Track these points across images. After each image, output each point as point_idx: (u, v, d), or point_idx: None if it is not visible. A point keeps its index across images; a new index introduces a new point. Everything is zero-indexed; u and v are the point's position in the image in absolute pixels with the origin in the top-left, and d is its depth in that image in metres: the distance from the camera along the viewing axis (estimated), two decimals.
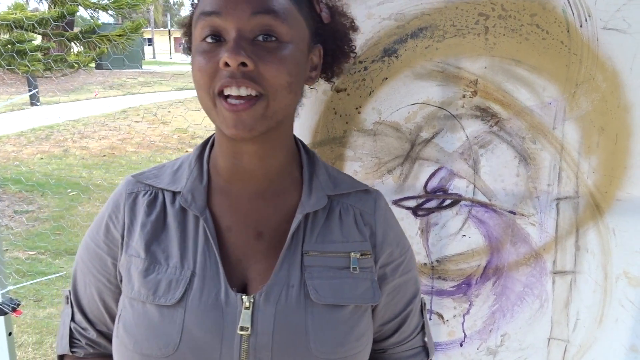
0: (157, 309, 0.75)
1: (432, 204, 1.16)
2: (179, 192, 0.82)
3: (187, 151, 8.68)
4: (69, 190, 6.33)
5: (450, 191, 1.15)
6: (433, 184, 1.15)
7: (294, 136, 0.88)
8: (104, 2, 8.46)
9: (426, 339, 0.94)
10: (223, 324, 0.74)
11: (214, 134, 0.87)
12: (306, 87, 0.87)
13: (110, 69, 14.51)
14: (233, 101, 0.70)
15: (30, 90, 10.52)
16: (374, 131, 1.14)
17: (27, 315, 3.59)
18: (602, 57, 1.04)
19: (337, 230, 0.82)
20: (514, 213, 1.15)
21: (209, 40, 0.72)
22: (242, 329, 0.73)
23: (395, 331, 0.90)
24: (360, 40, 1.09)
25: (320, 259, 0.79)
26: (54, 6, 8.02)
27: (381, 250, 0.85)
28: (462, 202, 1.16)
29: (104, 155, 8.05)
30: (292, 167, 0.85)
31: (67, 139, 8.71)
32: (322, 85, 1.12)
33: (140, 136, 9.07)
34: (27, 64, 6.57)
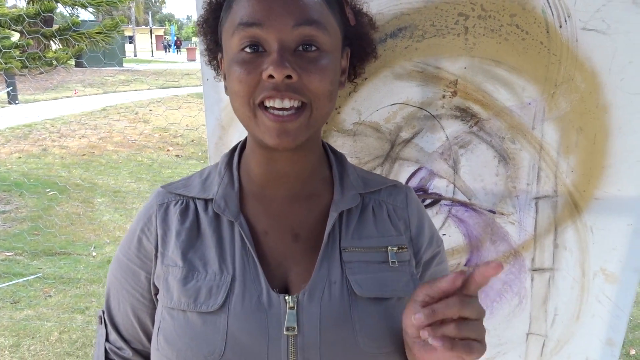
0: (199, 317, 0.74)
1: None
2: (211, 200, 0.82)
3: (168, 150, 8.61)
4: (47, 190, 6.23)
5: (430, 191, 1.16)
6: (413, 183, 1.15)
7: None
8: None
9: None
10: (268, 326, 0.73)
11: (240, 141, 0.88)
12: None
13: (86, 67, 14.30)
14: (277, 112, 0.70)
15: (7, 88, 10.32)
16: (354, 131, 1.13)
17: (3, 317, 3.53)
18: (581, 58, 1.04)
19: (372, 226, 0.83)
20: (494, 212, 1.15)
21: (248, 50, 0.71)
22: (288, 329, 0.73)
23: None
24: None
25: (358, 254, 0.80)
26: (32, 3, 7.87)
27: (418, 243, 0.86)
28: (442, 202, 1.16)
29: (83, 155, 7.94)
30: (322, 168, 0.86)
31: (46, 138, 8.57)
32: None
33: (120, 135, 8.97)
34: (2, 61, 6.44)
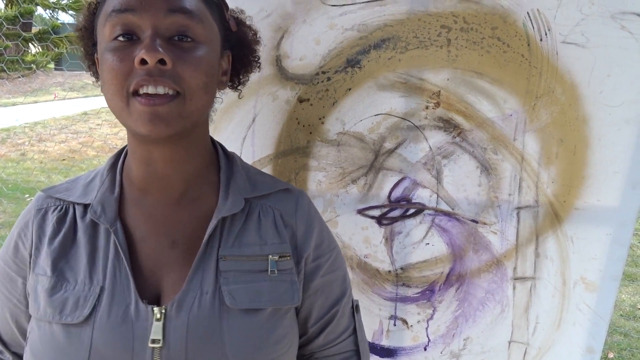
0: (63, 329, 0.72)
1: (396, 213, 1.17)
2: (90, 205, 0.79)
3: None
4: (26, 196, 6.13)
5: (413, 200, 1.16)
6: (397, 193, 1.16)
7: (213, 140, 0.87)
8: (63, 1, 8.22)
9: (359, 342, 0.92)
10: (133, 339, 0.71)
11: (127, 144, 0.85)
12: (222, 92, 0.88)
13: (64, 70, 14.12)
14: (149, 95, 0.68)
15: None
16: (338, 141, 1.14)
17: None
18: (562, 71, 1.06)
19: (255, 233, 0.80)
20: (476, 222, 1.16)
21: (121, 39, 0.69)
22: (153, 341, 0.70)
23: (320, 332, 0.88)
24: (322, 50, 1.09)
25: (236, 263, 0.77)
26: (10, 7, 7.76)
27: (302, 251, 0.83)
28: (426, 211, 1.17)
29: (63, 160, 7.83)
30: (209, 171, 0.83)
31: (25, 143, 8.44)
32: (286, 95, 1.11)
33: (101, 139, 8.87)
34: None
